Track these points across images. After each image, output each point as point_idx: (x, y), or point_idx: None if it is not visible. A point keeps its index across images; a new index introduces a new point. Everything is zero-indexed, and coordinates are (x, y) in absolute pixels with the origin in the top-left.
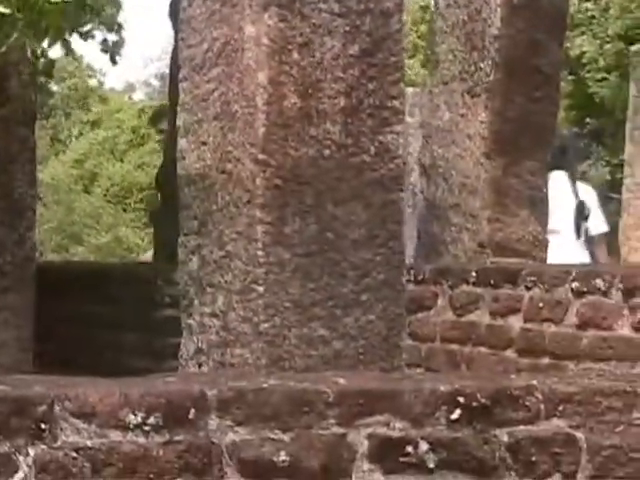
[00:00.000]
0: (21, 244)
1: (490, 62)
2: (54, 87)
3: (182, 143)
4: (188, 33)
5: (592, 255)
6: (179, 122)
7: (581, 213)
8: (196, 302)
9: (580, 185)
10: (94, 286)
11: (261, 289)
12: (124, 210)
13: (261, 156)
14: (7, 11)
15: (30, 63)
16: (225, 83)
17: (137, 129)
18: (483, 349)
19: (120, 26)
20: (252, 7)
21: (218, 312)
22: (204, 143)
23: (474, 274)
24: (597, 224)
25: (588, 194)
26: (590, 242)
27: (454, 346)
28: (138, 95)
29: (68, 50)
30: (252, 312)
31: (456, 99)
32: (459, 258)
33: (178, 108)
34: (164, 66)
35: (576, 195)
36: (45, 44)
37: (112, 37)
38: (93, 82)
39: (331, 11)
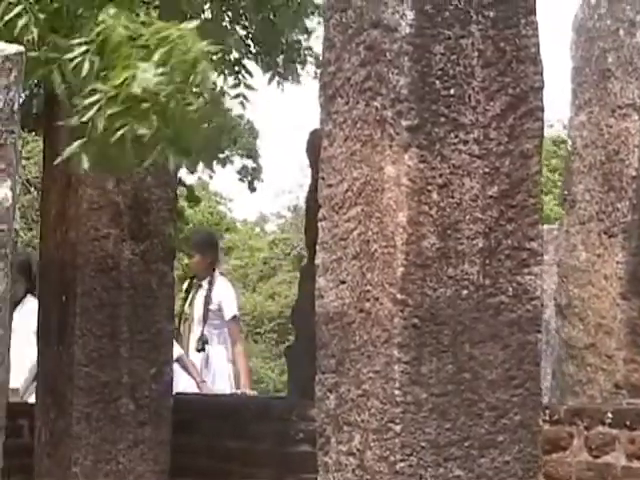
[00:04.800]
0: (158, 378)
1: (627, 203)
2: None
3: (320, 281)
4: (328, 172)
5: None
6: (317, 261)
7: None
8: (333, 440)
9: None
10: (228, 420)
11: (398, 428)
12: (255, 341)
13: (399, 296)
14: (146, 132)
15: (171, 200)
16: (364, 223)
17: (269, 261)
18: None
19: (257, 153)
20: (392, 148)
21: (354, 450)
22: (343, 282)
23: (610, 415)
24: None
25: None
26: None
27: None
28: (270, 227)
29: (223, 163)
30: (389, 451)
31: (593, 239)
32: (595, 399)
33: (317, 247)
34: (295, 198)
35: None
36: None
37: (250, 164)
38: (222, 209)
39: (471, 152)
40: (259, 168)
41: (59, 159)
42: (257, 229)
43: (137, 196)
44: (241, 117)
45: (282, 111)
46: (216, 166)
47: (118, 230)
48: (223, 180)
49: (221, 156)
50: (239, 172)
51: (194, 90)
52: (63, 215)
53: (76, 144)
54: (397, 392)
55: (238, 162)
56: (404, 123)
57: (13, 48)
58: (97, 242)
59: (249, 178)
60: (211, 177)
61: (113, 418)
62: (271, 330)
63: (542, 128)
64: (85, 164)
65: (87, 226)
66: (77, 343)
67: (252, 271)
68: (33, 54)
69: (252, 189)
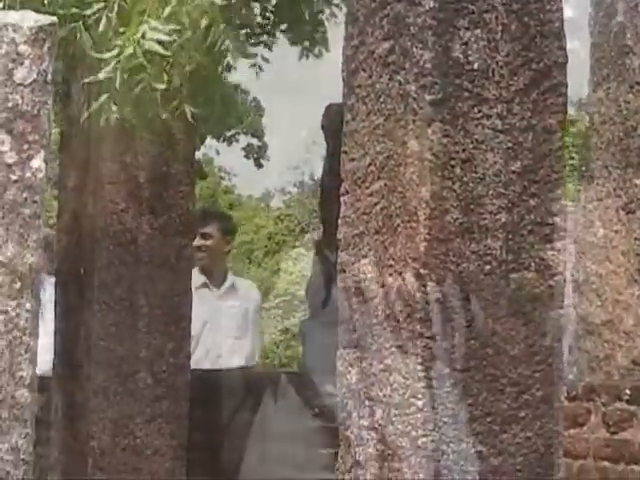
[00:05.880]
0: (176, 353)
1: None
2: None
3: (342, 256)
4: (351, 146)
5: None
6: (339, 235)
7: None
8: (354, 415)
9: None
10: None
11: (420, 403)
12: (260, 317)
13: (422, 271)
14: (162, 86)
15: (190, 174)
16: (387, 197)
17: (273, 236)
18: (637, 468)
19: (263, 132)
20: (415, 122)
21: (376, 425)
22: (365, 256)
23: (628, 392)
24: None
25: None
26: None
27: (607, 464)
28: (275, 202)
29: (229, 141)
30: (410, 426)
31: (610, 215)
32: (612, 375)
33: (339, 221)
34: (301, 174)
35: None
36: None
37: (255, 142)
38: (225, 184)
39: (494, 127)
40: (264, 146)
41: (87, 113)
42: (262, 205)
43: (156, 170)
44: (247, 94)
45: (288, 84)
46: (221, 143)
47: (137, 204)
48: (228, 156)
49: (227, 134)
50: (244, 149)
51: (206, 43)
52: (81, 189)
53: (104, 96)
54: (419, 367)
55: (243, 140)
56: (427, 97)
57: (47, 19)
58: (115, 216)
59: (254, 155)
60: (218, 152)
61: (131, 392)
62: (276, 306)
63: (565, 104)
64: (114, 114)
65: (106, 200)
66: (95, 317)
67: (257, 247)
68: (60, 11)
69: (259, 165)
